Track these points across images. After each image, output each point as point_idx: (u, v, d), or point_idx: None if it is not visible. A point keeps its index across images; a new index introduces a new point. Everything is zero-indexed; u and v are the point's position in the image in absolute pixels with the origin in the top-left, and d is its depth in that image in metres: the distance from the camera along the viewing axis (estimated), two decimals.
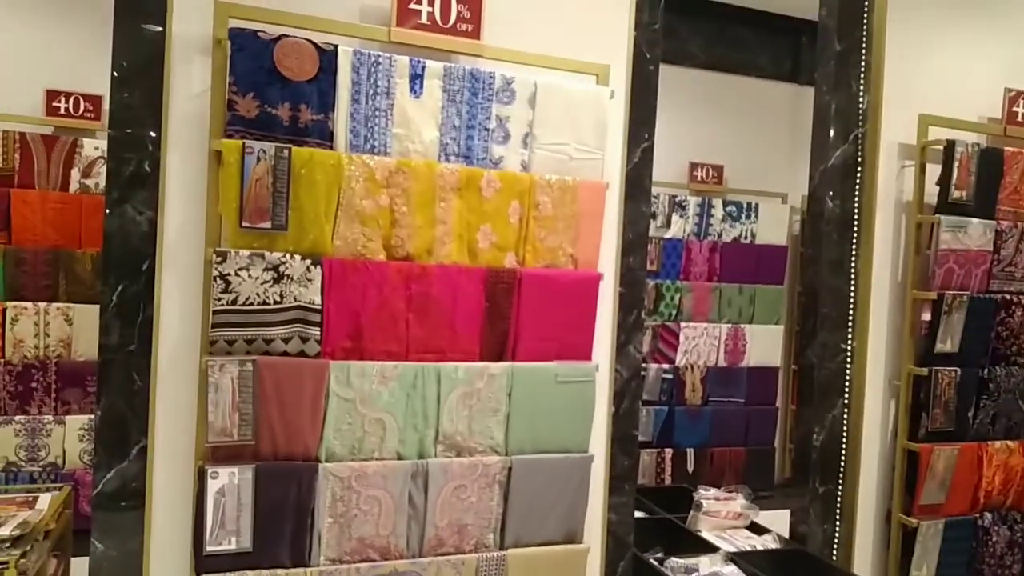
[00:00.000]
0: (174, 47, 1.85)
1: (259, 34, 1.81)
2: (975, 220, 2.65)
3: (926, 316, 2.67)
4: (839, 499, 2.76)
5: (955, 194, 2.63)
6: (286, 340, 1.87)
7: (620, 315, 2.36)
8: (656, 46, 2.40)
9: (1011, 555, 2.75)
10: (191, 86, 1.87)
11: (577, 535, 2.20)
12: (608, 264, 2.28)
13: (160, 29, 1.83)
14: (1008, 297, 2.71)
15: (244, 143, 1.78)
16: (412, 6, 1.98)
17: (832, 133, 2.75)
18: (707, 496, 2.91)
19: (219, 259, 1.79)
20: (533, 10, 2.21)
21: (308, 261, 1.86)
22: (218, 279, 1.79)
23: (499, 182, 2.03)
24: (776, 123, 5.05)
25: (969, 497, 2.69)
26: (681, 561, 2.54)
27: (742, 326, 4.71)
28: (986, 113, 2.81)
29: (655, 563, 2.54)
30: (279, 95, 1.83)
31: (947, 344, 2.65)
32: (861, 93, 2.73)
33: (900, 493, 2.69)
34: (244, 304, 1.82)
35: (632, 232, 2.37)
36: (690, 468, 4.63)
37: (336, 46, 1.88)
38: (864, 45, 2.72)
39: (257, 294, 1.82)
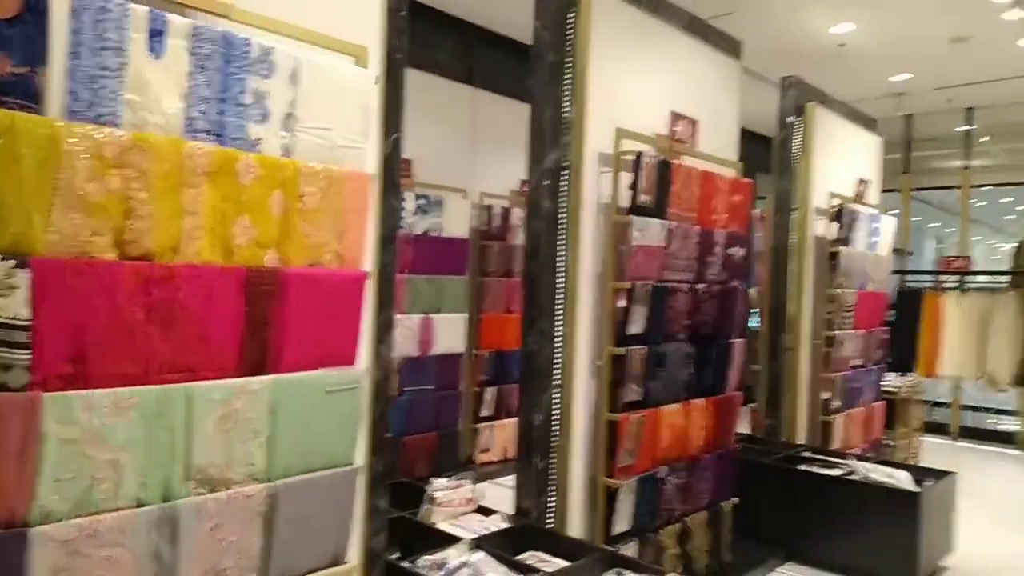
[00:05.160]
0: None
1: None
2: (655, 220, 3.11)
3: (621, 303, 3.06)
4: (553, 471, 3.03)
5: (642, 198, 3.06)
6: None
7: (376, 314, 2.24)
8: (403, 33, 2.31)
9: (678, 497, 3.33)
10: None
11: (343, 554, 2.04)
12: (367, 261, 2.14)
13: None
14: (675, 285, 3.25)
15: None
16: None
17: (546, 138, 2.97)
18: (439, 487, 2.94)
19: None
20: None
21: (10, 262, 1.39)
22: None
23: (259, 168, 1.76)
24: (456, 122, 5.29)
25: (651, 455, 3.18)
26: (430, 558, 2.53)
27: (432, 316, 4.86)
28: (658, 130, 3.31)
29: (407, 565, 2.49)
30: None
31: (636, 326, 3.08)
32: (568, 104, 3.00)
33: (604, 459, 3.05)
34: None
35: (386, 227, 2.27)
36: (392, 461, 4.64)
37: None
38: (571, 61, 2.99)
39: None
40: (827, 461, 4.23)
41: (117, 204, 1.54)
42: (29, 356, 1.43)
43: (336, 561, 2.02)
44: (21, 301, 1.41)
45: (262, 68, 1.77)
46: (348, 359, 2.00)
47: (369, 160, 2.08)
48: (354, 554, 2.18)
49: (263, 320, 1.80)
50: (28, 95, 1.41)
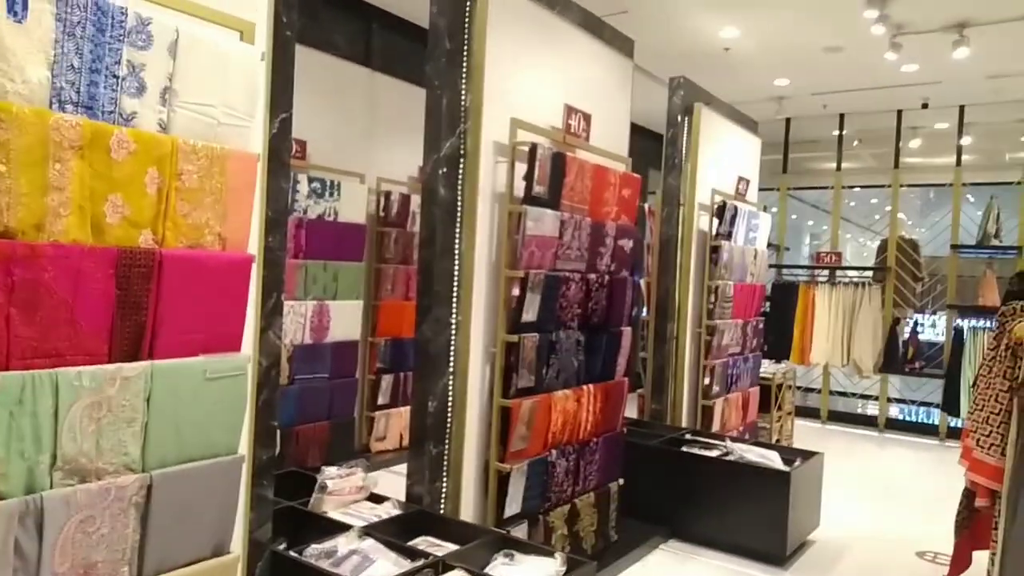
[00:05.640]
0: None
1: None
2: (549, 211, 3.18)
3: (515, 291, 3.11)
4: (446, 457, 3.05)
5: (536, 189, 3.12)
6: None
7: (262, 299, 2.19)
8: (293, 10, 2.26)
9: (567, 479, 3.44)
10: None
11: (226, 545, 1.98)
12: (252, 244, 2.08)
13: None
14: (567, 274, 3.33)
15: None
16: None
17: (442, 126, 2.97)
18: (330, 476, 2.91)
19: None
20: None
21: None
22: None
23: (134, 143, 1.68)
24: (353, 104, 5.19)
25: (543, 439, 3.26)
26: (318, 546, 2.50)
27: (327, 302, 4.77)
28: (553, 123, 3.38)
29: (294, 555, 2.45)
30: None
31: (529, 314, 3.14)
32: (464, 92, 3.01)
33: (496, 444, 3.10)
34: None
35: (273, 209, 2.21)
36: (276, 450, 4.52)
37: None
38: (467, 49, 3.00)
39: None
40: (707, 443, 4.47)
41: None
42: None
43: (218, 552, 1.96)
44: None
45: (139, 38, 1.69)
46: (232, 345, 1.94)
47: (255, 139, 2.03)
48: (238, 545, 2.12)
49: (137, 303, 1.72)
50: None
